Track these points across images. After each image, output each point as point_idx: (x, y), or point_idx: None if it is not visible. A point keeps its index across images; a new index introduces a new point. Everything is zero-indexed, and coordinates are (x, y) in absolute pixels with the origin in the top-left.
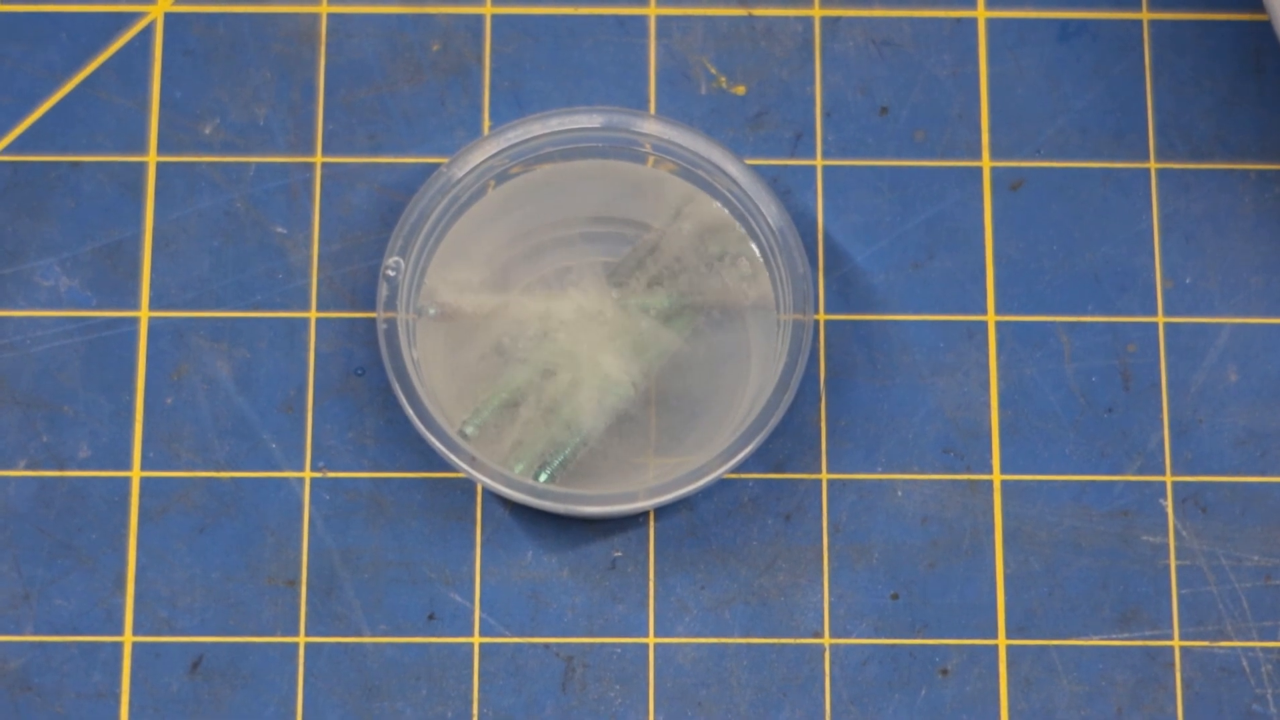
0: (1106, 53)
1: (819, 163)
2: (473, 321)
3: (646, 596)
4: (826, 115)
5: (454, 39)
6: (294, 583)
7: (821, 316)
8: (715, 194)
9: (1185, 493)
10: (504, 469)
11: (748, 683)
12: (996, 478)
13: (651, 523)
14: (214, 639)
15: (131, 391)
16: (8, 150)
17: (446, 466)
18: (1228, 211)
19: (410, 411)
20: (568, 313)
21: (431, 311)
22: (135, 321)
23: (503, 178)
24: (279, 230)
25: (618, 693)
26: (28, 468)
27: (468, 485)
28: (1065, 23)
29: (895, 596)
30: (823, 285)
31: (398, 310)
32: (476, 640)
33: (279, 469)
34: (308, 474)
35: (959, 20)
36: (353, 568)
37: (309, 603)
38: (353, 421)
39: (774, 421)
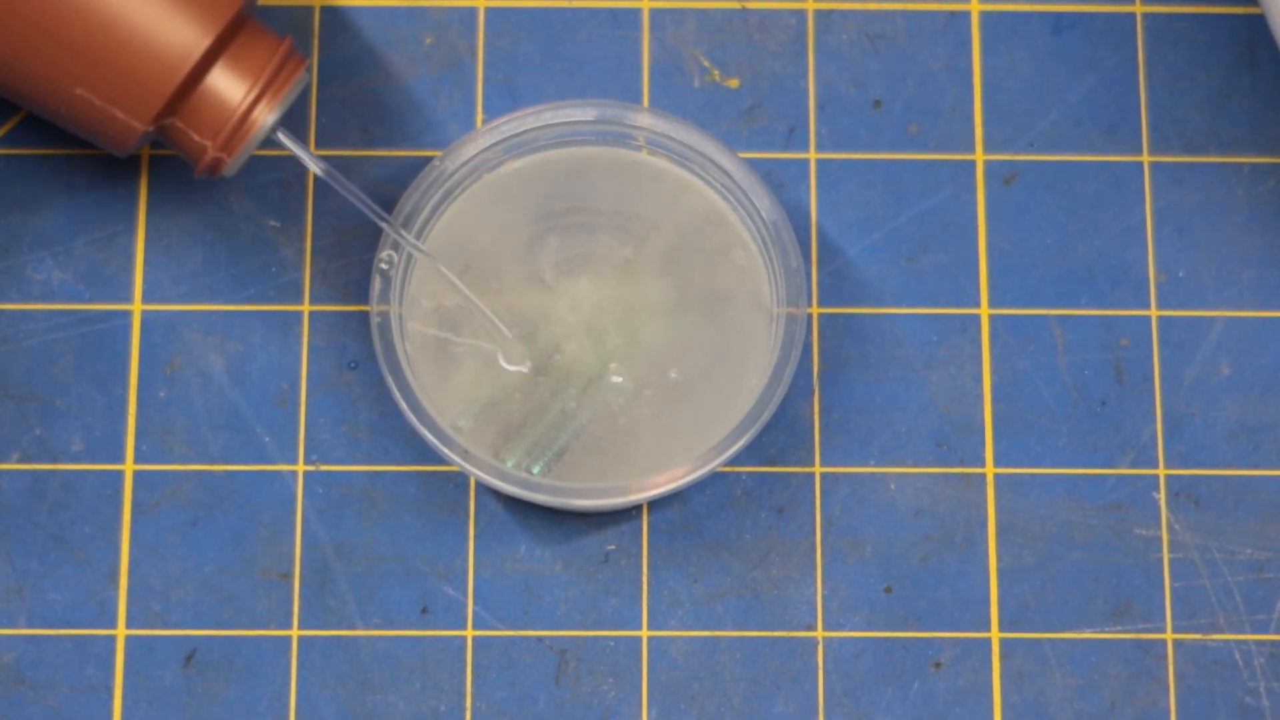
0: (1100, 46)
1: (812, 156)
2: (466, 314)
3: (639, 590)
4: (820, 109)
5: (447, 32)
6: (287, 576)
7: (815, 310)
8: (709, 187)
9: (1178, 486)
10: (497, 462)
11: (741, 676)
12: (989, 471)
13: (645, 516)
14: (207, 632)
15: (124, 385)
16: (1, 143)
17: (439, 460)
18: (1221, 205)
19: (403, 405)
20: (561, 305)
21: (425, 304)
22: (128, 315)
23: (496, 170)
24: (272, 224)
25: (611, 686)
26: (20, 461)
27: (461, 479)
28: (1059, 16)
29: (888, 590)
30: (816, 279)
31: (391, 304)
32: (469, 633)
33: (272, 462)
34: (301, 467)
35: (952, 13)
36: (346, 561)
37: (302, 596)
38: (346, 415)
39: (767, 415)
